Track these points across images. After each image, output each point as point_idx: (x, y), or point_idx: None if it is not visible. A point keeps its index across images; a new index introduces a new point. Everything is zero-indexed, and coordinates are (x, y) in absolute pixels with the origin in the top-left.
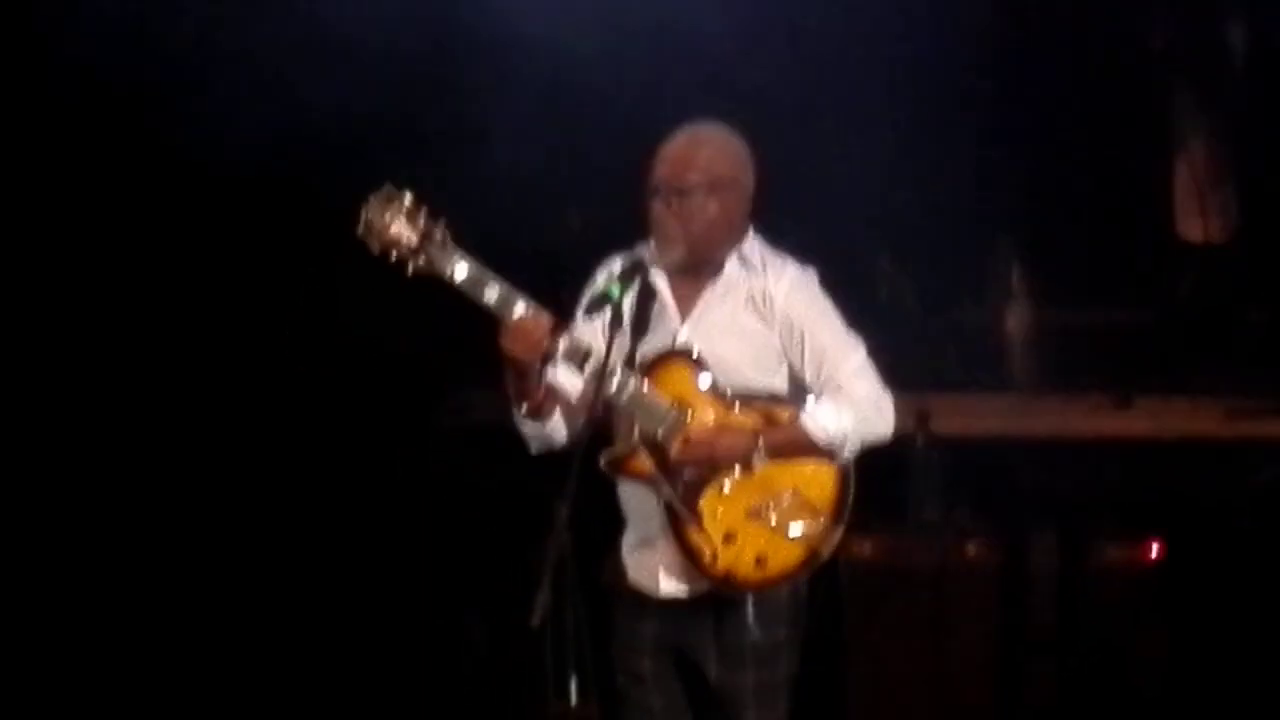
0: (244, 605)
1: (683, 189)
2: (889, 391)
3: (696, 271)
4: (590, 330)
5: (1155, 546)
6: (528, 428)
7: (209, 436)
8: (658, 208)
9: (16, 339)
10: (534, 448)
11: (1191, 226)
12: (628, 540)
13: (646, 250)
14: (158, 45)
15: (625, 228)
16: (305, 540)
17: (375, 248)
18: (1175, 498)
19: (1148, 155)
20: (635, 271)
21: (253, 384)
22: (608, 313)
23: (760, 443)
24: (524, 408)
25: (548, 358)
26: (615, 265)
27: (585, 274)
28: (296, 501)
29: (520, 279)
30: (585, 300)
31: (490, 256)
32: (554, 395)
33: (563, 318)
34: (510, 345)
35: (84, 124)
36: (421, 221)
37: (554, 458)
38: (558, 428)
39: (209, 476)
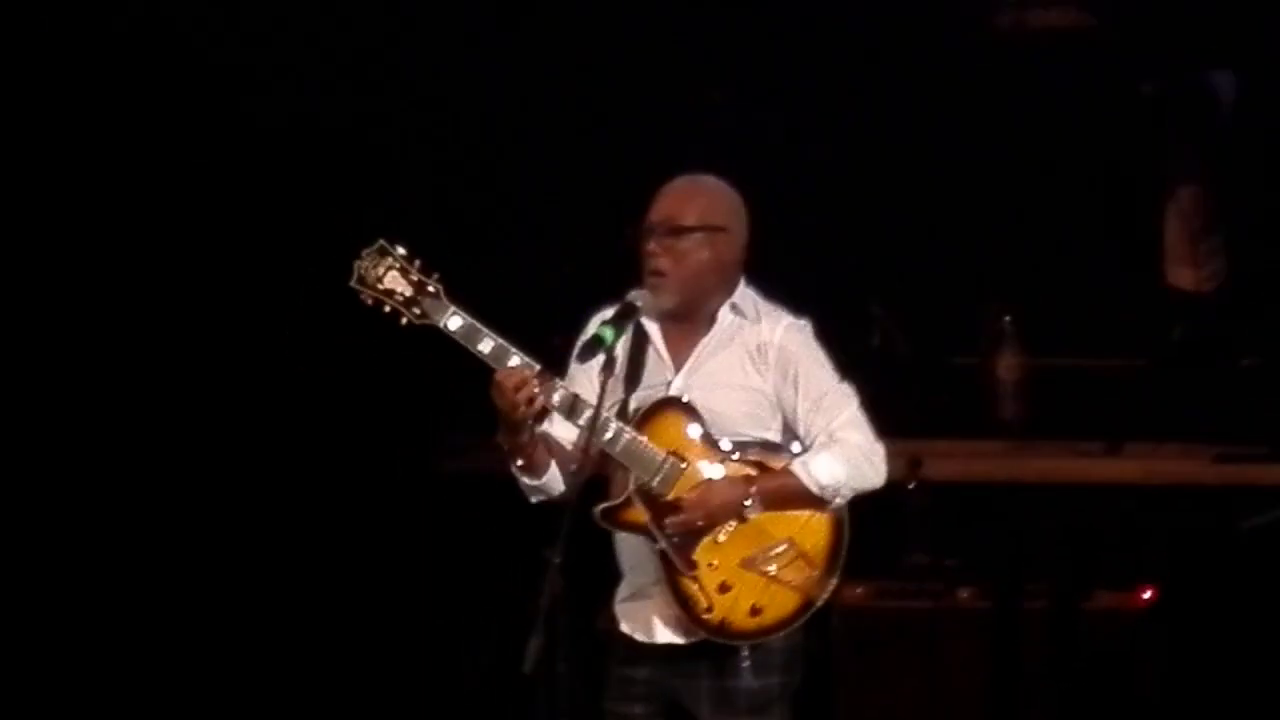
0: (238, 645)
1: (677, 229)
2: (881, 442)
3: (689, 321)
4: (583, 376)
5: (1146, 592)
6: (524, 481)
7: (204, 476)
8: (651, 248)
9: (15, 340)
10: (532, 499)
11: (1181, 275)
12: (622, 590)
13: (640, 297)
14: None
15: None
16: (300, 581)
17: (369, 300)
18: (1166, 543)
19: (1138, 203)
20: (628, 316)
21: (249, 428)
22: (601, 358)
23: (754, 493)
24: (518, 462)
25: (542, 414)
26: (608, 313)
27: (578, 321)
28: (292, 543)
29: (513, 325)
30: (578, 346)
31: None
32: (548, 448)
33: (556, 368)
34: (498, 400)
35: (80, 125)
36: (415, 275)
37: (549, 504)
38: (554, 479)
39: (202, 517)
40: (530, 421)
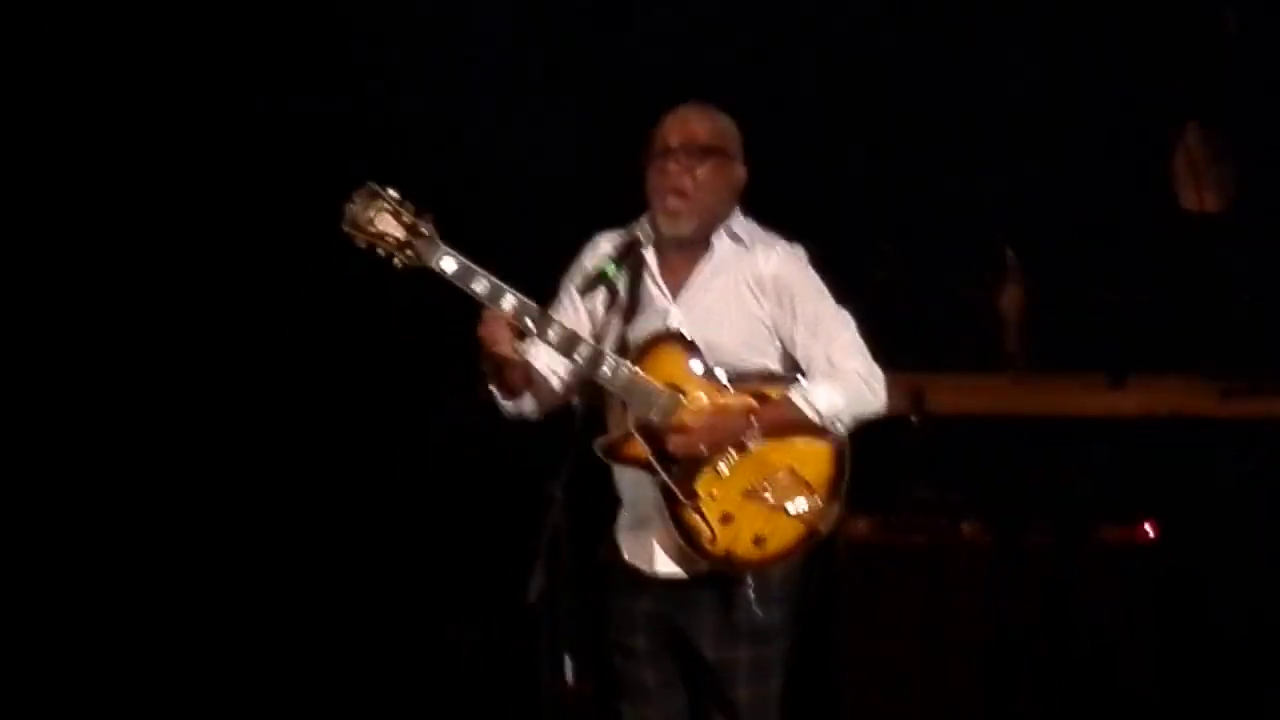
0: (238, 598)
1: (703, 149)
2: (879, 367)
3: (688, 249)
4: (571, 308)
5: (1149, 526)
6: (501, 402)
7: (203, 433)
8: (673, 168)
9: (17, 340)
10: (506, 415)
11: (1189, 198)
12: (623, 520)
13: (639, 228)
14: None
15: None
16: (301, 532)
17: (361, 243)
18: (1169, 477)
19: (1143, 133)
20: (631, 250)
21: (249, 384)
22: (603, 292)
23: (754, 422)
24: (499, 390)
25: (521, 339)
26: (603, 243)
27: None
28: (292, 497)
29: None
30: (578, 278)
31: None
32: (527, 375)
33: (551, 301)
34: (483, 338)
35: (78, 120)
36: (407, 217)
37: (551, 445)
38: (528, 403)
39: (202, 474)
40: (515, 359)
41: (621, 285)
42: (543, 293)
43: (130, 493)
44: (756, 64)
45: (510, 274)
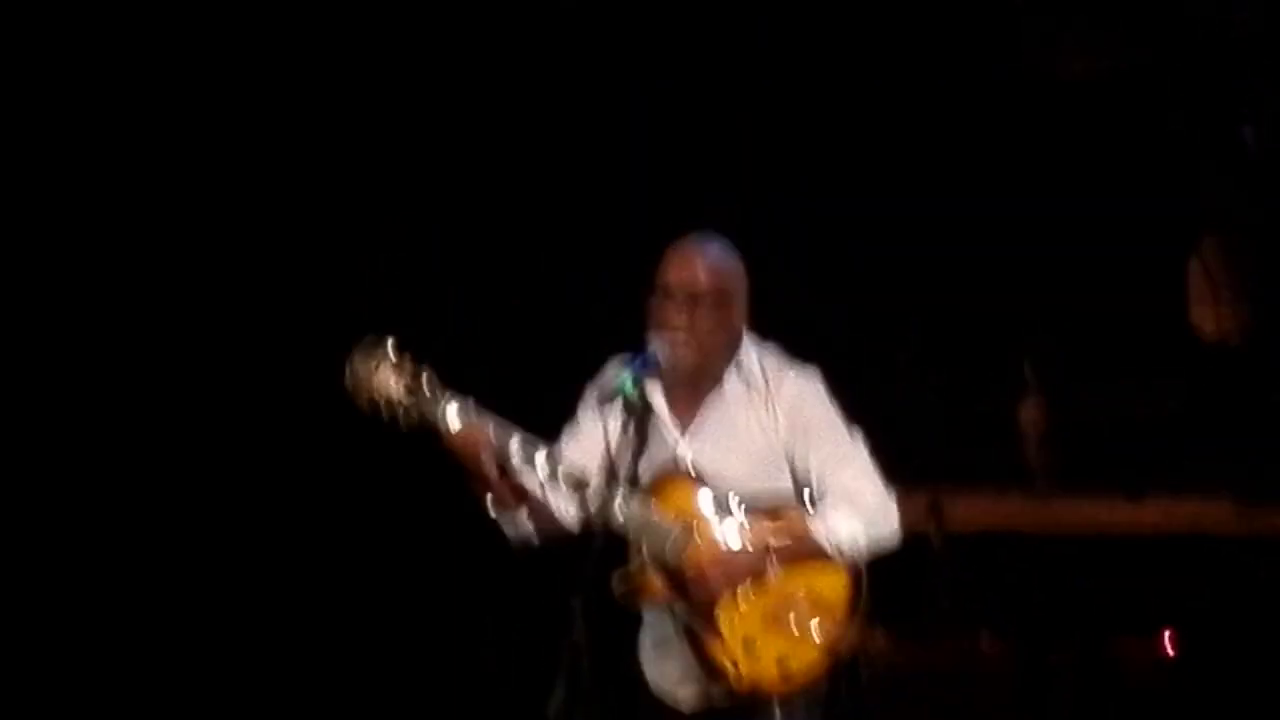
0: (252, 648)
1: (695, 294)
2: (893, 495)
3: (694, 384)
4: (591, 423)
5: (1168, 640)
6: (505, 528)
7: (217, 469)
8: (669, 309)
9: (22, 341)
10: (511, 540)
11: (1204, 316)
12: (645, 637)
13: (660, 348)
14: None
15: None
16: (319, 578)
17: (364, 402)
18: (1188, 592)
19: (1163, 251)
20: (648, 367)
21: (269, 421)
22: (620, 407)
23: (771, 552)
24: (487, 500)
25: (503, 462)
26: (619, 363)
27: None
28: (311, 538)
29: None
30: (598, 391)
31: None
32: (519, 491)
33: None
34: (454, 457)
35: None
36: (408, 367)
37: (572, 558)
38: (524, 523)
39: (214, 512)
40: (492, 469)
41: (634, 411)
42: None
43: (157, 517)
44: (763, 170)
45: None
